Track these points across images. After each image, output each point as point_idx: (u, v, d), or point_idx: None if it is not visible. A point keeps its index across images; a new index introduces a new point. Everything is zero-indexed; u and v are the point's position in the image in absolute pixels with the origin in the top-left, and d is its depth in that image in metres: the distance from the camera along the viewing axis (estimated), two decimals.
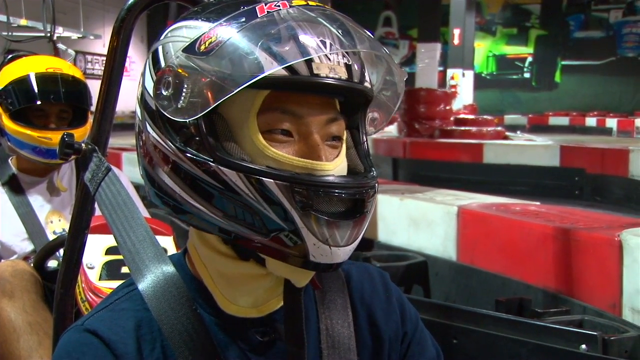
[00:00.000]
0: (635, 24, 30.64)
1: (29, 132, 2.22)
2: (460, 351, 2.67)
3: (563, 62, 32.12)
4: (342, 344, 0.92)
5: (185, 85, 0.76)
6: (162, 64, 0.80)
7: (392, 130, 14.12)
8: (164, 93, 0.78)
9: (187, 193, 0.80)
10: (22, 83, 2.26)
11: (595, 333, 2.39)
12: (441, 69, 17.66)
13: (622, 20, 30.87)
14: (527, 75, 33.07)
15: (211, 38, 0.76)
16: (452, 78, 18.90)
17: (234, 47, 0.74)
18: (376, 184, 0.83)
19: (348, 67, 0.79)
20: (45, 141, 2.22)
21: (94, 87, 1.16)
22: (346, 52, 0.78)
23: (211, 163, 0.77)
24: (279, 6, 0.77)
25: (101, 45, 21.26)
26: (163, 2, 1.07)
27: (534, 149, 11.06)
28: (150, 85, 0.81)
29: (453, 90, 16.74)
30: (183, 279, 0.85)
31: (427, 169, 10.32)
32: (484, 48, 32.41)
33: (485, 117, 15.27)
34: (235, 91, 0.73)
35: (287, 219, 0.75)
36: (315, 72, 0.75)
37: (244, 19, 0.76)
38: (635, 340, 2.44)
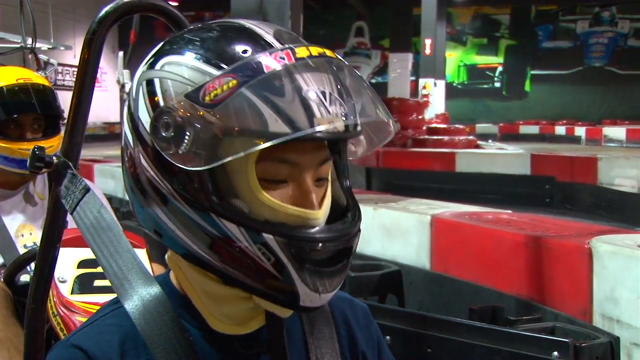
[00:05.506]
0: (601, 34, 31.21)
1: (6, 145, 2.19)
2: None
3: (532, 72, 32.56)
4: None
5: (188, 133, 0.75)
6: (161, 101, 0.79)
7: None
8: (163, 134, 0.77)
9: (183, 232, 0.81)
10: None
11: (567, 340, 2.41)
12: (413, 78, 17.81)
13: (589, 31, 31.42)
14: (497, 84, 33.44)
15: (216, 90, 0.74)
16: (424, 87, 19.05)
17: (241, 104, 0.73)
18: (359, 224, 0.85)
19: (345, 117, 0.78)
20: (24, 152, 2.18)
21: (65, 98, 1.15)
22: (341, 98, 0.77)
23: (211, 213, 0.78)
24: (283, 57, 0.76)
25: (72, 56, 20.95)
26: (135, 14, 1.07)
27: (505, 157, 11.20)
28: (144, 117, 0.80)
29: (425, 99, 16.88)
30: (168, 296, 0.85)
31: (400, 178, 10.36)
32: (455, 58, 32.72)
33: (457, 126, 15.45)
34: (243, 154, 0.73)
35: (283, 271, 0.78)
36: (318, 129, 0.74)
37: (249, 72, 0.74)
38: (605, 346, 2.47)
